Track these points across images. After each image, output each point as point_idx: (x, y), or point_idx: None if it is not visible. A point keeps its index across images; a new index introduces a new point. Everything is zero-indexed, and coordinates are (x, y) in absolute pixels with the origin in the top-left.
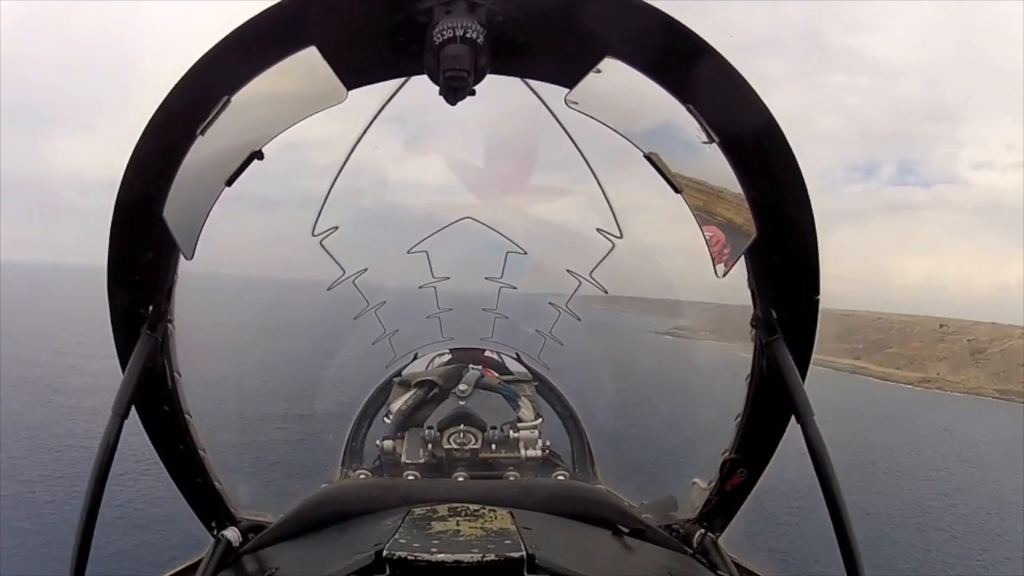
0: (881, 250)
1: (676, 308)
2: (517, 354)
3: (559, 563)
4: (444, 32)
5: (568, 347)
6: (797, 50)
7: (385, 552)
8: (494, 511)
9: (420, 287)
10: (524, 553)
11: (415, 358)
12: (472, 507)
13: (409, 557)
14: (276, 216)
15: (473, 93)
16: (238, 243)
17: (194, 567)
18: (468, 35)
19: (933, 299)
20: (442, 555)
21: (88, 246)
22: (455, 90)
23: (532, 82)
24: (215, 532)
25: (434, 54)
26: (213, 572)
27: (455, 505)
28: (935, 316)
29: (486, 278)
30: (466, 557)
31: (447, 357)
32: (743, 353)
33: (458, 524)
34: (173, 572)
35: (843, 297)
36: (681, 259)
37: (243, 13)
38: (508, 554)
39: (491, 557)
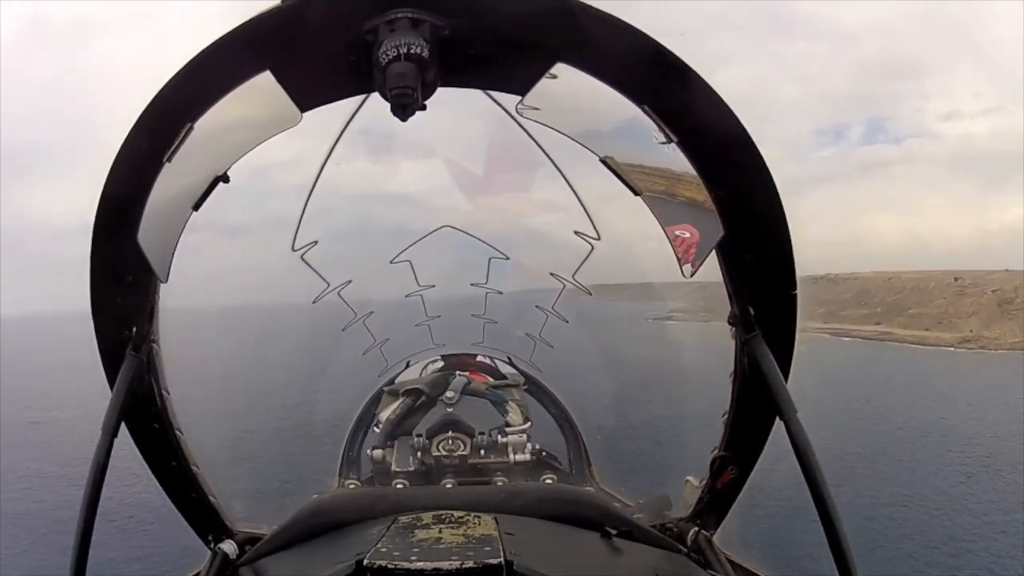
0: (857, 211)
1: (668, 291)
2: (509, 358)
3: (538, 568)
4: (389, 52)
5: (562, 347)
6: (751, 23)
7: (366, 561)
8: (479, 517)
9: (407, 296)
10: (503, 560)
11: (407, 366)
12: (456, 514)
13: (389, 566)
14: (246, 241)
15: (423, 108)
16: (213, 272)
17: None
18: (412, 51)
19: (915, 253)
20: (421, 563)
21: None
22: (403, 107)
23: (493, 92)
24: (211, 545)
25: (381, 72)
26: None
27: (440, 512)
28: (946, 270)
29: (472, 284)
30: (444, 565)
31: (440, 364)
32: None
33: (440, 532)
34: None
35: (835, 261)
36: (658, 243)
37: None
38: (486, 561)
39: (469, 564)
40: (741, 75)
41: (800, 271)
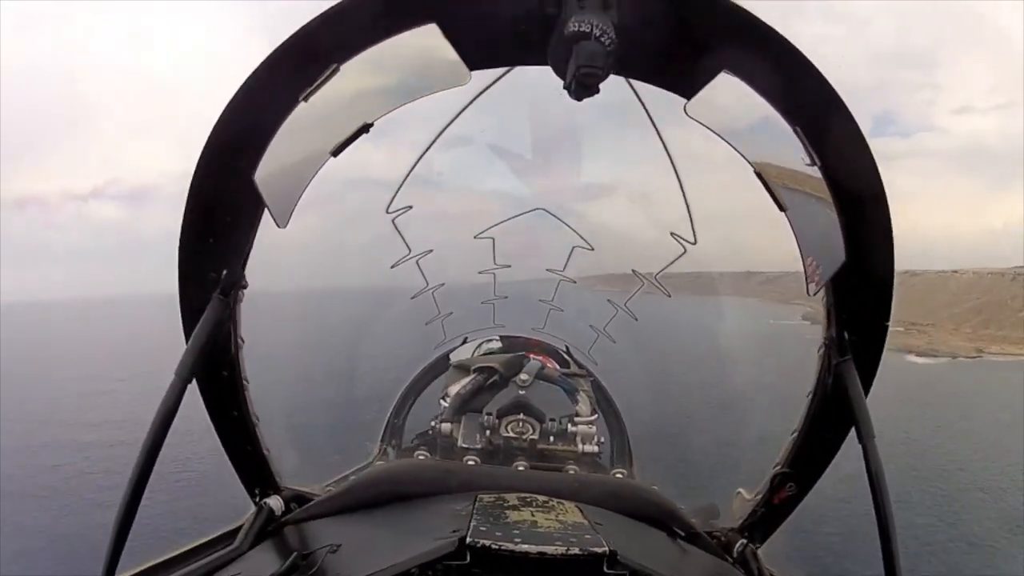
0: None
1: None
2: (567, 347)
3: (636, 560)
4: (580, 25)
5: (626, 345)
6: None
7: (469, 539)
8: (562, 504)
9: (480, 272)
10: (607, 548)
11: (464, 342)
12: (540, 498)
13: (493, 546)
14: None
15: (599, 91)
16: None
17: (233, 533)
18: (605, 34)
19: (927, 251)
20: (526, 546)
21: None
22: (586, 87)
23: (634, 83)
24: (257, 499)
25: (565, 47)
26: (255, 538)
27: (523, 495)
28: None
29: (547, 270)
30: (549, 549)
31: (496, 344)
32: None
33: (532, 515)
34: (213, 537)
35: None
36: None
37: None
38: (591, 549)
39: (575, 551)
40: None
41: None
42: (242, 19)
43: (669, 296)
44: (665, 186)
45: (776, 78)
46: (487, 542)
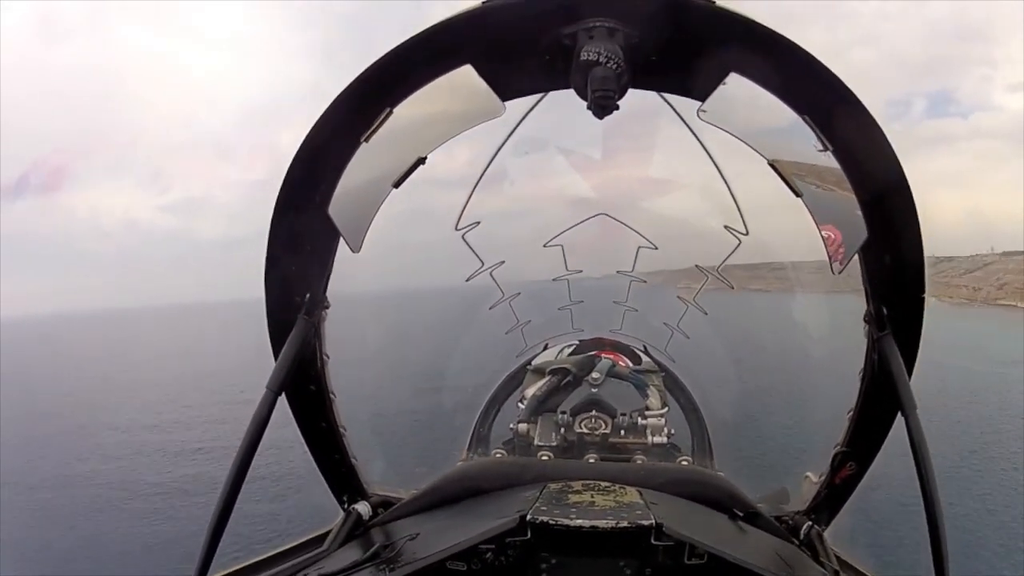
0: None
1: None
2: (644, 346)
3: (683, 531)
4: (590, 55)
5: (698, 339)
6: None
7: (529, 516)
8: (624, 488)
9: (554, 279)
10: (653, 521)
11: (545, 348)
12: (603, 484)
13: (550, 521)
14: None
15: (618, 108)
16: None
17: (322, 537)
18: (611, 58)
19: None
20: (580, 521)
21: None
22: (603, 108)
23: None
24: (346, 506)
25: (582, 74)
26: (343, 542)
27: (588, 482)
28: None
29: (617, 272)
30: (600, 523)
31: (575, 348)
32: None
33: (592, 497)
34: (303, 541)
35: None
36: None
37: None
38: (639, 522)
39: (624, 524)
40: (815, 38)
41: None
42: (280, 18)
43: (732, 288)
44: (712, 183)
45: (779, 73)
46: (545, 518)
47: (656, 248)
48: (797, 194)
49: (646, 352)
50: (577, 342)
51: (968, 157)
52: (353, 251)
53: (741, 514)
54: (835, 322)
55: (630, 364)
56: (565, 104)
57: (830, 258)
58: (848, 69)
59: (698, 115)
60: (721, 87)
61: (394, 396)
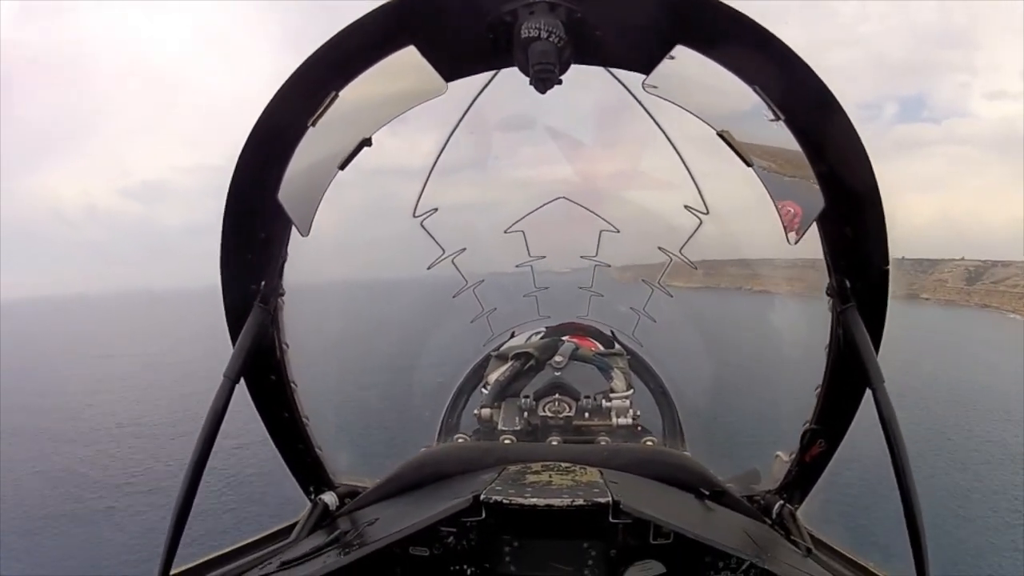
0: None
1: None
2: (612, 331)
3: (642, 509)
4: (530, 31)
5: (665, 322)
6: None
7: (483, 496)
8: (584, 468)
9: (517, 266)
10: (611, 499)
11: (512, 336)
12: (563, 464)
13: (504, 501)
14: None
15: (560, 82)
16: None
17: (291, 528)
18: (551, 32)
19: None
20: (535, 499)
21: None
22: (544, 81)
23: (614, 70)
24: (312, 496)
25: (523, 50)
26: (310, 531)
27: (547, 463)
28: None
29: (581, 257)
30: (556, 502)
31: (543, 334)
32: None
33: (550, 477)
34: (270, 532)
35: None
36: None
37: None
38: (596, 500)
39: (580, 502)
40: (794, 35)
41: None
42: (244, 12)
43: (695, 269)
44: (673, 165)
45: (726, 43)
46: (499, 498)
47: (618, 231)
48: (748, 164)
49: (614, 337)
50: (544, 329)
51: (938, 160)
52: (302, 235)
53: (707, 493)
54: (804, 299)
55: (601, 347)
56: (523, 89)
57: (785, 229)
58: (827, 71)
59: (644, 88)
60: (667, 60)
61: (362, 387)
